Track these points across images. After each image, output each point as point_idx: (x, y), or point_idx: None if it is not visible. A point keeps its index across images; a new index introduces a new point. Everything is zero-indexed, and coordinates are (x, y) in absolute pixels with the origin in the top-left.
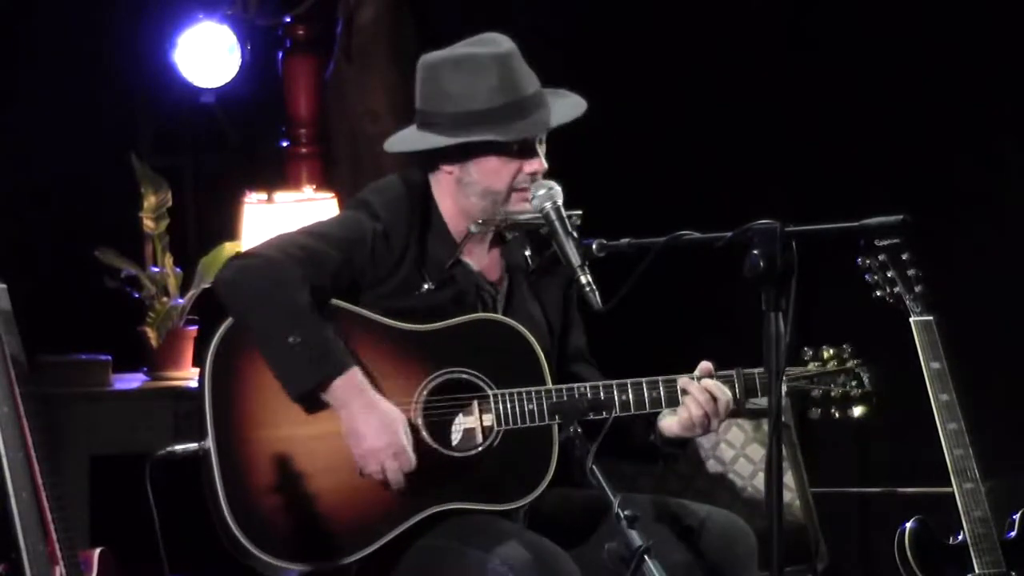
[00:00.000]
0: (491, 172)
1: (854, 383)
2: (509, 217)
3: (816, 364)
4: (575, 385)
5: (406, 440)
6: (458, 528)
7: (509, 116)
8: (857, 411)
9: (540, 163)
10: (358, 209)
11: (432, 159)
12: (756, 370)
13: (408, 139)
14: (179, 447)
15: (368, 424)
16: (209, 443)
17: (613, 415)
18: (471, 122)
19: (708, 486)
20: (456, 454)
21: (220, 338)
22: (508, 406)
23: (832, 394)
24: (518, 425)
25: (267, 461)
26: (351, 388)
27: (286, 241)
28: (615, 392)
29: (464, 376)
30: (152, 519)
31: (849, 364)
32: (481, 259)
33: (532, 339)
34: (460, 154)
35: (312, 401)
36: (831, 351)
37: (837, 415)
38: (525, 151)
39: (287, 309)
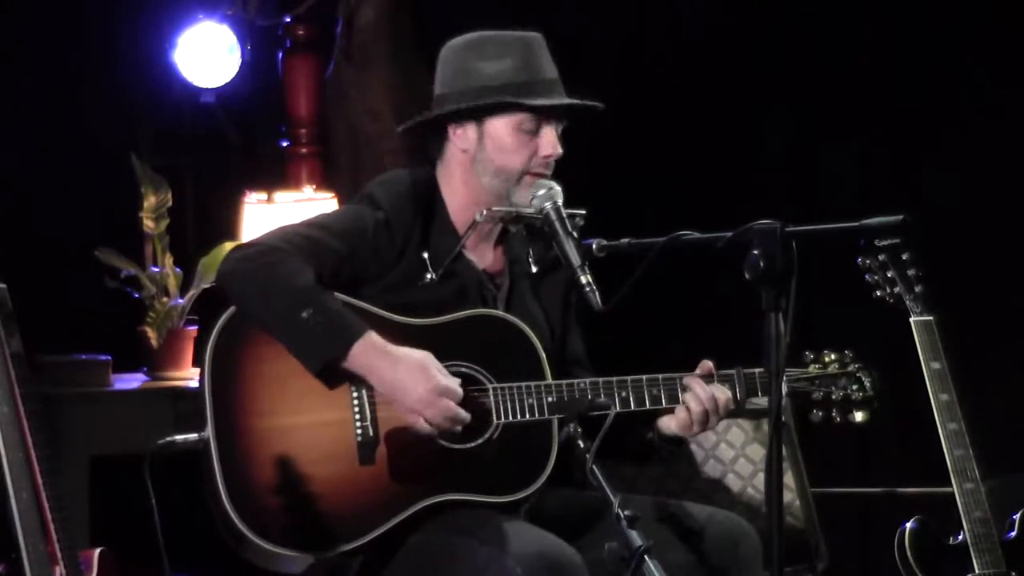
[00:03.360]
0: (506, 150)
1: (855, 387)
2: (516, 209)
3: (817, 367)
4: (574, 381)
5: (440, 376)
6: (463, 523)
7: (528, 92)
8: (859, 416)
9: (555, 147)
10: (361, 202)
11: (446, 139)
12: (756, 370)
13: (426, 115)
14: (179, 437)
15: (400, 377)
16: (209, 433)
17: (614, 413)
18: (489, 92)
19: (708, 486)
20: (456, 446)
21: (220, 329)
22: (507, 400)
23: (833, 397)
24: (517, 419)
25: (267, 450)
26: (372, 351)
27: (287, 232)
28: (615, 389)
29: (463, 370)
30: (152, 514)
31: (851, 368)
32: (484, 255)
33: (531, 334)
34: (475, 127)
35: (334, 374)
36: (832, 355)
37: (838, 419)
38: (541, 133)
39: (293, 288)
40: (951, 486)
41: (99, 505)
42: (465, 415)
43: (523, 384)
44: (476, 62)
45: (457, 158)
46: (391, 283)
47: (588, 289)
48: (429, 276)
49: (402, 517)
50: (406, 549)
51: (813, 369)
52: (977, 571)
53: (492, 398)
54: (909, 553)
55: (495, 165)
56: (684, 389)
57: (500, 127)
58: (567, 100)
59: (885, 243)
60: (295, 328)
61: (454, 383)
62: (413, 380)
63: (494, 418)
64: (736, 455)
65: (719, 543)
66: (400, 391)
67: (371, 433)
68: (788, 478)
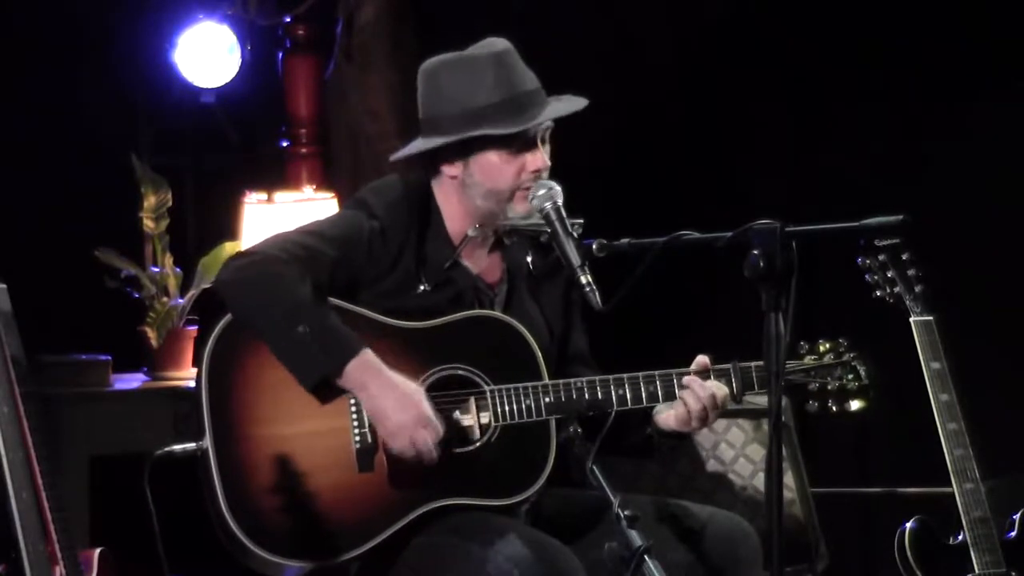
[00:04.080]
0: (493, 171)
1: (851, 376)
2: (509, 222)
3: (812, 357)
4: (571, 380)
5: (430, 410)
6: (460, 525)
7: (508, 111)
8: (855, 405)
9: (543, 160)
10: (356, 208)
11: (435, 164)
12: (753, 363)
13: (412, 147)
14: (178, 447)
15: (388, 401)
16: (207, 442)
17: (613, 412)
18: (470, 120)
19: (708, 486)
20: (455, 450)
21: (216, 337)
22: (505, 402)
23: (829, 387)
24: (515, 421)
25: (265, 459)
26: (366, 370)
27: (283, 240)
28: (612, 387)
29: (460, 372)
30: (151, 520)
31: (845, 357)
32: (480, 262)
33: (528, 335)
34: (461, 154)
35: (327, 390)
36: (827, 344)
37: (835, 409)
38: (527, 148)
39: (291, 302)
40: (951, 486)
41: (99, 505)
42: (434, 456)
43: (520, 385)
44: (451, 87)
45: (448, 182)
46: (387, 289)
47: (588, 289)
48: (424, 284)
49: (402, 523)
50: (404, 551)
51: (808, 360)
52: (977, 571)
53: (489, 400)
54: (909, 553)
55: (485, 188)
56: (682, 385)
57: (483, 154)
58: (544, 117)
59: (885, 243)
60: (290, 343)
61: (437, 421)
62: (400, 407)
63: (492, 421)
64: (736, 455)
65: (719, 543)
66: (383, 415)
67: (369, 440)
68: (788, 478)
